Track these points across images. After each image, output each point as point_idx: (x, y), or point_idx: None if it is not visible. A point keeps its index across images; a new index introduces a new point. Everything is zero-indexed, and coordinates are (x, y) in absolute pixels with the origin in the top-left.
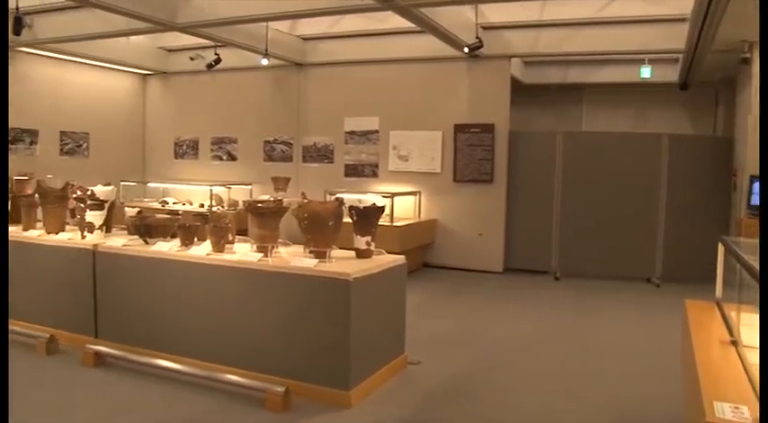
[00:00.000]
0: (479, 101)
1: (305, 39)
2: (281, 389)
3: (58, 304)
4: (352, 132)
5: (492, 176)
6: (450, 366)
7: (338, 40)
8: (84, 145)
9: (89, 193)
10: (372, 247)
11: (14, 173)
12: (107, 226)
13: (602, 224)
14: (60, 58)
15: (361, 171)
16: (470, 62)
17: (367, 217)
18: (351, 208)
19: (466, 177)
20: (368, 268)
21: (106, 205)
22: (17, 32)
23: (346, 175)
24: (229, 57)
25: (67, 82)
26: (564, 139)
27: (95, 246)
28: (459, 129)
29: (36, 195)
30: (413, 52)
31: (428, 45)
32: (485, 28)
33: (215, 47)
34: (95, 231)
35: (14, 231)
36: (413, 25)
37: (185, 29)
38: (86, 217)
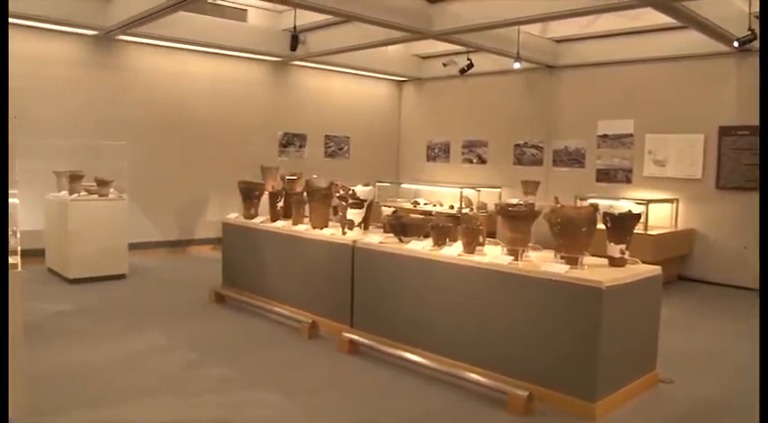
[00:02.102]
0: (750, 100)
1: (557, 41)
2: (524, 393)
3: (320, 293)
4: (604, 136)
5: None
6: (705, 389)
7: (591, 41)
8: (345, 148)
9: (350, 192)
10: (626, 256)
11: (286, 173)
12: (365, 223)
13: None
14: (326, 69)
15: (613, 176)
16: (739, 57)
17: (622, 224)
18: (605, 214)
19: (730, 184)
20: (621, 277)
21: (365, 204)
22: (293, 49)
23: (598, 179)
24: (481, 61)
25: (331, 90)
26: None
27: (354, 242)
28: (724, 131)
29: (304, 193)
30: (672, 50)
31: (689, 41)
32: (759, 17)
33: (467, 52)
34: (355, 228)
35: (285, 225)
36: (671, 21)
37: (440, 36)
38: (347, 214)
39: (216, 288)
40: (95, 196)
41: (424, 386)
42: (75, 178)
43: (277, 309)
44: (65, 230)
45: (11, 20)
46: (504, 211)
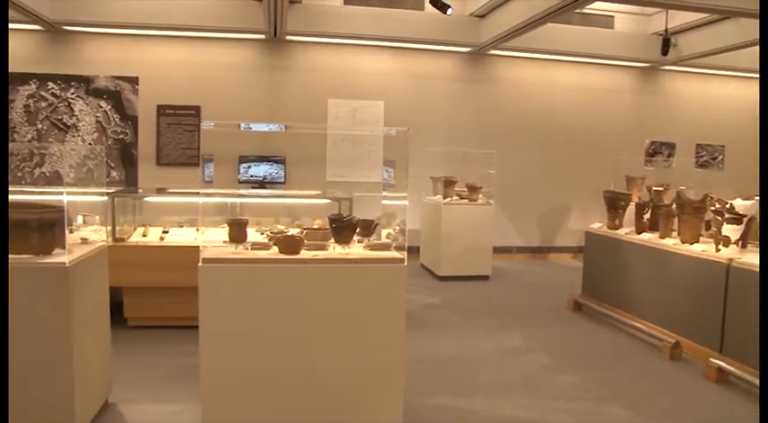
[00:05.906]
0: None
1: None
2: None
3: (685, 312)
4: None
5: None
6: None
7: None
8: (719, 157)
9: (728, 206)
10: None
11: (653, 183)
12: (743, 241)
13: None
14: (700, 73)
15: None
16: None
17: None
18: None
19: None
20: None
21: (744, 220)
22: (664, 53)
23: None
24: None
25: (707, 95)
26: None
27: (730, 260)
28: None
29: (674, 205)
30: None
31: None
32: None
33: None
34: (731, 245)
35: (652, 238)
36: None
37: None
38: (723, 230)
39: (574, 296)
40: (466, 201)
41: None
42: (448, 183)
43: (636, 323)
44: (438, 231)
45: (387, 43)
46: None
